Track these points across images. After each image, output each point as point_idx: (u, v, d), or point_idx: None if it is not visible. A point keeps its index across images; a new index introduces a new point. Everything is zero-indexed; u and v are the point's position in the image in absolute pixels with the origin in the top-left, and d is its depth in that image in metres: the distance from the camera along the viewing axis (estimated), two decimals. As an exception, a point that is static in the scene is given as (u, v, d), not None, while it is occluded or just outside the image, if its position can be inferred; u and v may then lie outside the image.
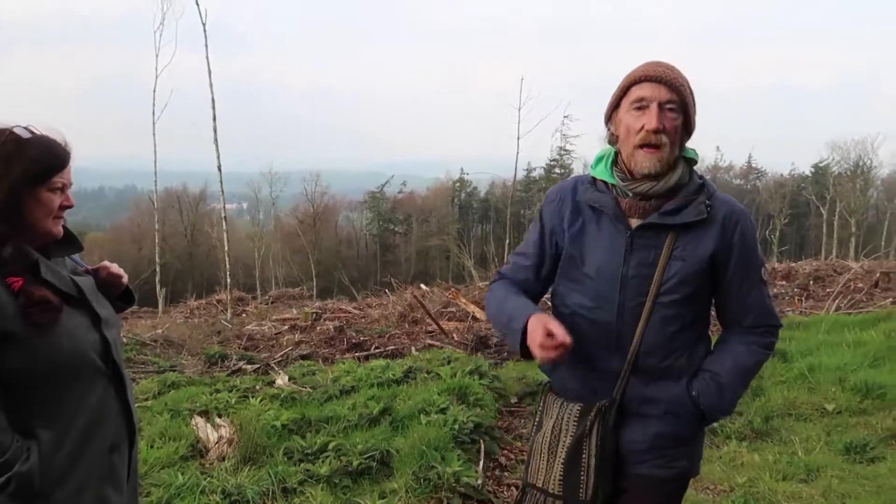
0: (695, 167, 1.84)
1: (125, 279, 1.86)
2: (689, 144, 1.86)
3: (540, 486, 1.88)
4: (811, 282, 13.64)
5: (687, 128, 1.80)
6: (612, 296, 1.79)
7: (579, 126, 42.87)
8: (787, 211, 54.95)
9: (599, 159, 1.87)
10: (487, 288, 2.06)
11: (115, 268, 1.84)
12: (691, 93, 1.78)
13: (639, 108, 1.74)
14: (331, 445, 3.95)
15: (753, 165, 61.31)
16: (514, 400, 5.70)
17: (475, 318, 10.69)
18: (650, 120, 1.71)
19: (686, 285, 1.75)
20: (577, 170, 52.38)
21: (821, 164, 56.83)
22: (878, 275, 12.89)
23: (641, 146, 1.73)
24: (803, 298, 12.03)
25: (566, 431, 1.83)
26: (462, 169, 60.20)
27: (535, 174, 54.52)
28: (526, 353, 1.74)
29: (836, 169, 54.68)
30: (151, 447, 3.93)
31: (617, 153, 1.84)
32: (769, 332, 1.87)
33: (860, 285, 12.32)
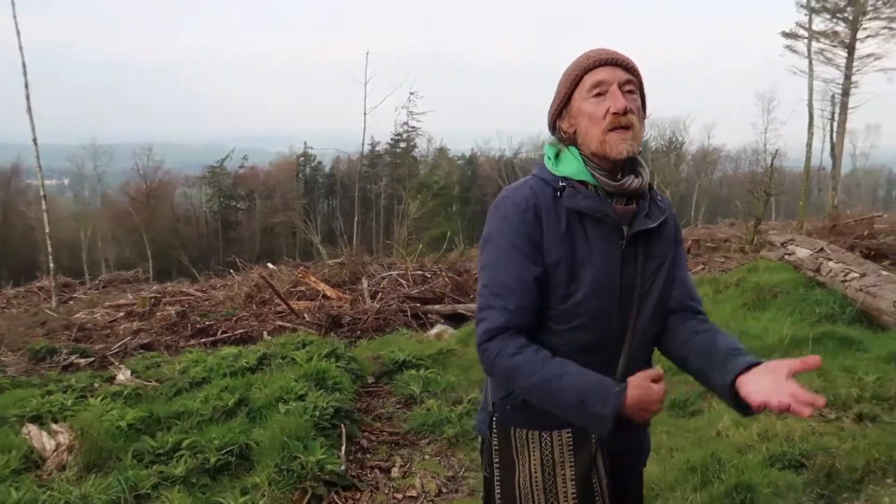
0: None
1: None
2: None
3: None
4: (637, 251, 14.94)
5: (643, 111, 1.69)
6: (610, 310, 1.63)
7: (424, 103, 43.32)
8: (615, 184, 59.35)
9: (557, 156, 1.68)
10: (486, 352, 1.61)
11: None
12: None
13: (598, 95, 1.59)
14: (184, 443, 3.79)
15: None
16: (371, 380, 5.78)
17: (325, 297, 10.56)
18: (616, 101, 1.56)
19: (664, 285, 1.69)
20: (421, 146, 53.11)
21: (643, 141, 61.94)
22: (689, 242, 14.38)
23: (612, 129, 1.58)
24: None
25: (562, 463, 1.64)
26: (306, 143, 58.79)
27: (378, 149, 54.48)
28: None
29: (654, 145, 59.91)
30: (-25, 462, 3.56)
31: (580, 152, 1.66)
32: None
33: (678, 253, 13.69)
